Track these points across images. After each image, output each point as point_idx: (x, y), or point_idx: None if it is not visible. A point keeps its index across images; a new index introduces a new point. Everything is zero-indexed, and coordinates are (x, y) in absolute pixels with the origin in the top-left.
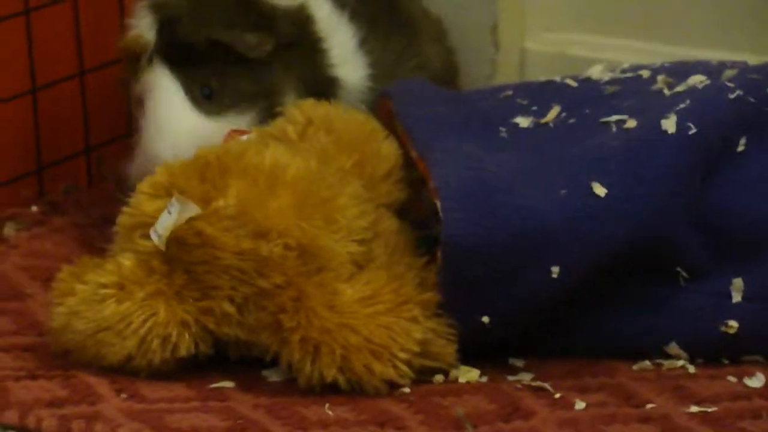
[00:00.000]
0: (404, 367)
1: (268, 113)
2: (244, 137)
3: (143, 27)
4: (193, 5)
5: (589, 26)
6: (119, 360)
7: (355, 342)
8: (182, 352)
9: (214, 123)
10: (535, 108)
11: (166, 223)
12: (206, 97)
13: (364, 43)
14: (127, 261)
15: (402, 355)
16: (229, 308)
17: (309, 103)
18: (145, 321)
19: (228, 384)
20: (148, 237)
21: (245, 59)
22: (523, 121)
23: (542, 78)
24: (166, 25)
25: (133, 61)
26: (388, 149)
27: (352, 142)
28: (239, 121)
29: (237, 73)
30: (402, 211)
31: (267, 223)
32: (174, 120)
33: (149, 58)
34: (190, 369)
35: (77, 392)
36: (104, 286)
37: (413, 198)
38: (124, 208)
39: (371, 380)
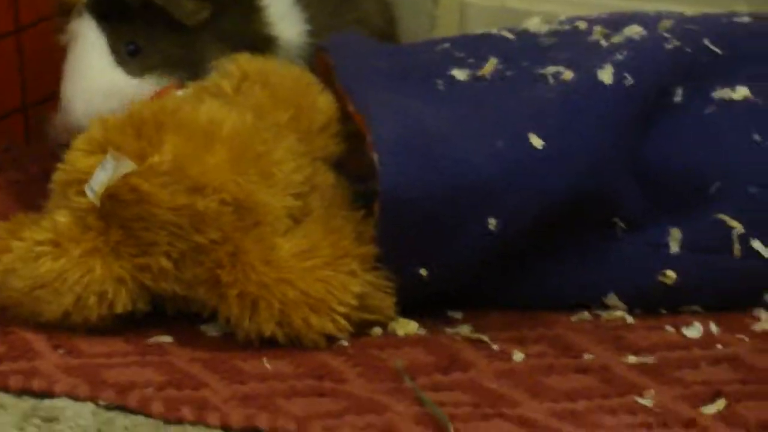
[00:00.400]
0: (342, 321)
1: (192, 78)
2: (180, 92)
3: None
4: None
5: None
6: (56, 317)
7: (293, 296)
8: (119, 308)
9: (133, 81)
10: (471, 60)
11: (101, 180)
12: (131, 55)
13: (300, 0)
14: (62, 218)
15: (340, 308)
16: (166, 264)
17: (244, 58)
18: (81, 278)
19: (166, 339)
20: (83, 194)
21: (177, 23)
22: (460, 74)
23: (480, 31)
24: None
25: (62, 15)
26: (324, 103)
27: (288, 96)
28: (160, 83)
29: (167, 36)
30: (339, 166)
31: (203, 179)
32: (93, 73)
33: (78, 11)
34: (128, 324)
35: (14, 348)
36: (40, 243)
37: (351, 152)
38: (59, 165)
39: (309, 334)
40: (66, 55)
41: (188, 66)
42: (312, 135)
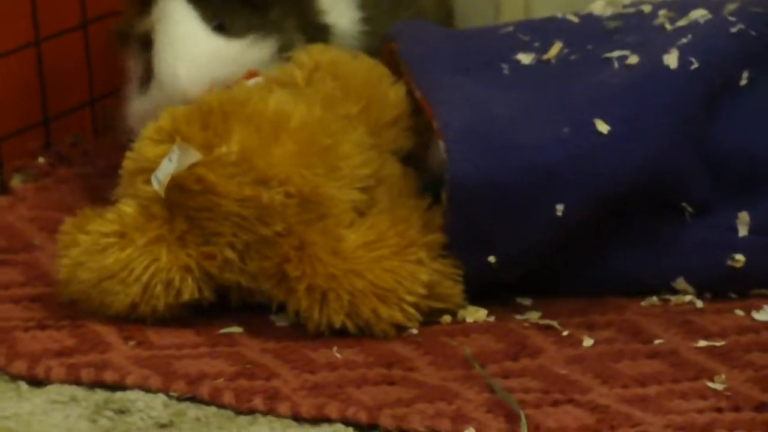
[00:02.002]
0: (411, 310)
1: (278, 45)
2: (252, 81)
3: None
4: None
5: None
6: (124, 307)
7: (362, 287)
8: (185, 296)
9: (232, 47)
10: (537, 44)
11: (166, 170)
12: (217, 29)
13: None
14: (128, 208)
15: (408, 297)
16: (231, 255)
17: (318, 48)
18: (147, 267)
19: (236, 329)
20: (150, 182)
21: (250, 1)
22: (525, 58)
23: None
24: None
25: (137, 4)
26: (395, 96)
27: (359, 88)
28: (254, 46)
29: (245, 10)
30: (410, 158)
31: (269, 171)
32: (193, 41)
33: None
34: (197, 315)
35: (86, 341)
36: (106, 235)
37: (421, 145)
38: (128, 153)
39: (379, 324)
40: (129, 48)
41: (271, 36)
42: (382, 128)
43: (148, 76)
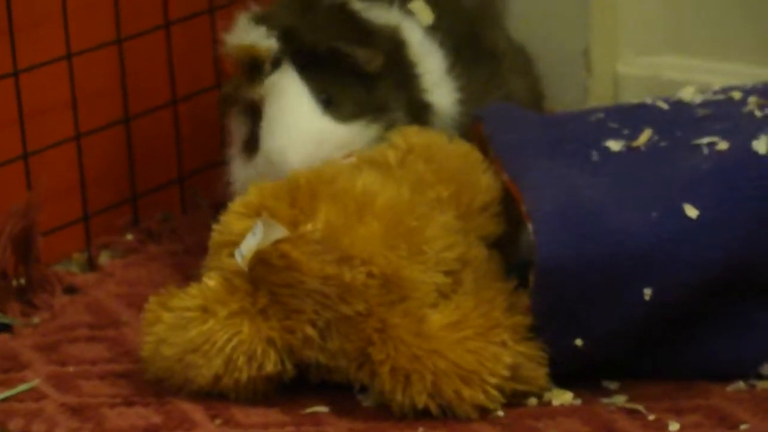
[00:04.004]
0: (494, 392)
1: (384, 127)
2: (346, 160)
3: (254, 38)
4: (302, 18)
5: (681, 48)
6: (207, 381)
7: (445, 367)
8: (268, 368)
9: (341, 129)
10: (626, 132)
11: (250, 244)
12: (325, 104)
13: (452, 70)
14: (211, 281)
15: (491, 379)
16: (311, 332)
17: (412, 130)
18: (229, 339)
19: (323, 408)
20: (234, 256)
21: (356, 73)
22: (615, 145)
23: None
24: (289, 33)
25: (245, 70)
26: (487, 182)
27: (451, 173)
28: (363, 130)
29: (352, 84)
30: (497, 240)
31: (352, 250)
32: (306, 122)
33: (274, 63)
34: (282, 393)
35: (172, 418)
36: (188, 309)
37: (509, 228)
38: (215, 226)
39: (461, 405)
40: (232, 117)
41: (377, 113)
42: (472, 213)
43: (252, 143)
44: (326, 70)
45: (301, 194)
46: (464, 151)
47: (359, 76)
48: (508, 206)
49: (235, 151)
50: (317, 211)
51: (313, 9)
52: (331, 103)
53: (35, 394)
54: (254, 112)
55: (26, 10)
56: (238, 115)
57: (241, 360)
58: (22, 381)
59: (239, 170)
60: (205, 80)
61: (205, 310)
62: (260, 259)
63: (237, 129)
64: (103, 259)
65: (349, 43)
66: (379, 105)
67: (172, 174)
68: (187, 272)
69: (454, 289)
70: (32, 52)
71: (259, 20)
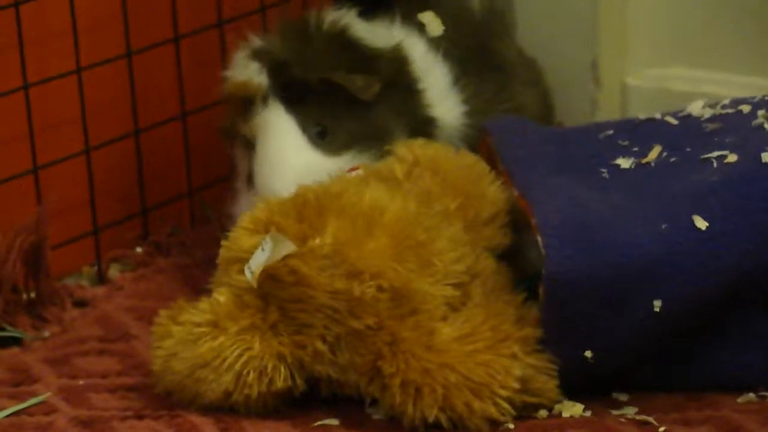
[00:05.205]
0: (505, 404)
1: (380, 154)
2: (353, 173)
3: (249, 73)
4: (299, 48)
5: (690, 61)
6: (218, 396)
7: (455, 380)
8: (278, 384)
9: (330, 161)
10: (636, 149)
11: (259, 260)
12: (319, 136)
13: (457, 83)
14: (221, 297)
15: (502, 392)
16: (321, 347)
17: (418, 143)
18: (240, 355)
19: (333, 422)
20: (243, 272)
21: (353, 101)
22: (625, 162)
23: (642, 115)
24: (277, 68)
25: (239, 106)
26: (494, 194)
27: (458, 185)
28: (356, 160)
29: (347, 114)
30: (506, 253)
31: (361, 264)
32: (292, 156)
33: (263, 100)
34: (292, 407)
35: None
36: (198, 324)
37: (518, 241)
38: (224, 242)
39: (472, 418)
40: (236, 146)
41: (373, 141)
42: (479, 225)
43: (253, 177)
44: (322, 101)
45: (308, 209)
46: (470, 162)
47: (356, 104)
48: (517, 218)
49: (240, 184)
50: (325, 226)
51: (311, 38)
52: (326, 134)
53: (46, 408)
54: (251, 145)
55: (36, 24)
56: (240, 148)
57: (252, 376)
58: (33, 394)
59: (244, 200)
60: (214, 94)
61: (216, 326)
62: (269, 274)
63: (240, 162)
64: (113, 272)
65: (349, 70)
66: (376, 131)
67: (182, 187)
68: (197, 286)
69: (464, 301)
70: (42, 66)
71: (256, 54)
